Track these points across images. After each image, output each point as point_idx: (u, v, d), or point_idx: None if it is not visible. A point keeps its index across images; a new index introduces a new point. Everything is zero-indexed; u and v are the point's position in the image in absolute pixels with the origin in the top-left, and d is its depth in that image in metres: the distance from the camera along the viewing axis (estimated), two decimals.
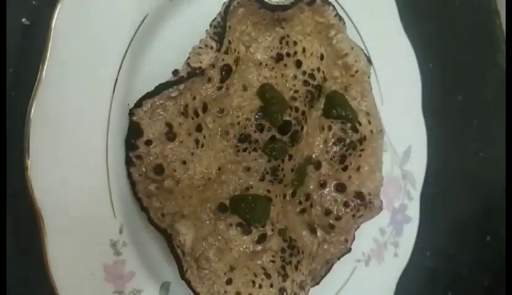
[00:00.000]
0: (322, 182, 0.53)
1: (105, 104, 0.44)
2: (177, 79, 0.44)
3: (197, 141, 0.46)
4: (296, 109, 0.50)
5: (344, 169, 0.54)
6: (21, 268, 0.44)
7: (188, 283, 0.45)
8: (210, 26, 0.46)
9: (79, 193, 0.42)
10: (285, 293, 0.48)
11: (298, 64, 0.51)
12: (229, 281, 0.46)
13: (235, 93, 0.49)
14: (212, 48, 0.45)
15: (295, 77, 0.51)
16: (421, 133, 0.66)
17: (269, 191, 0.50)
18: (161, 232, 0.46)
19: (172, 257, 0.46)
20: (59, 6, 0.41)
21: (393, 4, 0.63)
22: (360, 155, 0.55)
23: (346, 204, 0.53)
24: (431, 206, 0.68)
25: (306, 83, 0.51)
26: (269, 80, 0.50)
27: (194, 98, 0.45)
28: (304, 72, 0.51)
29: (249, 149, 0.49)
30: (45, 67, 0.40)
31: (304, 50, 0.51)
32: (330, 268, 0.55)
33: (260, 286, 0.47)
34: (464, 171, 0.78)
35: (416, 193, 0.66)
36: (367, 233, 0.60)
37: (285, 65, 0.51)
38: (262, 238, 0.48)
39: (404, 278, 0.64)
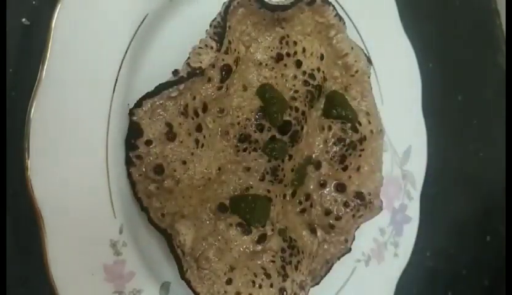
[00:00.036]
0: (322, 182, 0.53)
1: (105, 104, 0.44)
2: (177, 79, 0.44)
3: (197, 141, 0.46)
4: (296, 109, 0.50)
5: (344, 169, 0.54)
6: (21, 268, 0.44)
7: (188, 283, 0.45)
8: (210, 26, 0.46)
9: (79, 193, 0.42)
10: (285, 293, 0.48)
11: (298, 64, 0.51)
12: (229, 281, 0.46)
13: (235, 93, 0.49)
14: (211, 48, 0.45)
15: (295, 77, 0.51)
16: (421, 133, 0.66)
17: (269, 191, 0.50)
18: (161, 232, 0.46)
19: (172, 257, 0.46)
20: (59, 6, 0.41)
21: (393, 4, 0.63)
22: (360, 155, 0.55)
23: (346, 204, 0.53)
24: (431, 206, 0.68)
25: (306, 83, 0.51)
26: (269, 80, 0.50)
27: (194, 98, 0.45)
28: (304, 72, 0.51)
29: (249, 149, 0.49)
30: (45, 67, 0.40)
31: (304, 50, 0.51)
32: (330, 268, 0.55)
33: (260, 286, 0.47)
34: (464, 171, 0.78)
35: (416, 193, 0.66)
36: (367, 233, 0.60)
37: (285, 65, 0.51)
38: (262, 238, 0.48)
39: (404, 278, 0.64)
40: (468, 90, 0.79)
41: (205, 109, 0.46)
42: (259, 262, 0.48)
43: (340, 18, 0.53)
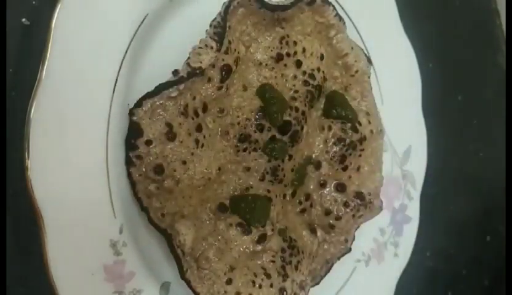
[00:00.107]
0: (322, 182, 0.53)
1: (105, 104, 0.44)
2: (177, 79, 0.44)
3: (197, 141, 0.46)
4: (296, 109, 0.50)
5: (344, 169, 0.54)
6: (21, 268, 0.44)
7: (188, 283, 0.45)
8: (210, 26, 0.46)
9: (79, 193, 0.42)
10: (285, 293, 0.48)
11: (298, 64, 0.51)
12: (229, 281, 0.46)
13: (235, 93, 0.49)
14: (212, 48, 0.45)
15: (295, 77, 0.51)
16: (421, 133, 0.66)
17: (269, 191, 0.50)
18: (161, 232, 0.46)
19: (172, 257, 0.46)
20: (59, 6, 0.41)
21: (393, 4, 0.63)
22: (360, 155, 0.55)
23: (346, 204, 0.53)
24: (431, 206, 0.68)
25: (306, 83, 0.51)
26: (269, 80, 0.50)
27: (194, 98, 0.45)
28: (304, 72, 0.51)
29: (249, 149, 0.49)
30: (45, 67, 0.40)
31: (304, 50, 0.51)
32: (330, 268, 0.55)
33: (260, 286, 0.47)
34: (464, 171, 0.78)
35: (416, 193, 0.66)
36: (367, 233, 0.60)
37: (285, 65, 0.51)
38: (262, 238, 0.48)
39: (404, 278, 0.64)
40: (468, 90, 0.79)
41: (205, 109, 0.46)
42: (259, 262, 0.48)
43: (340, 18, 0.53)
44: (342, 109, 0.53)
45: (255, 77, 0.50)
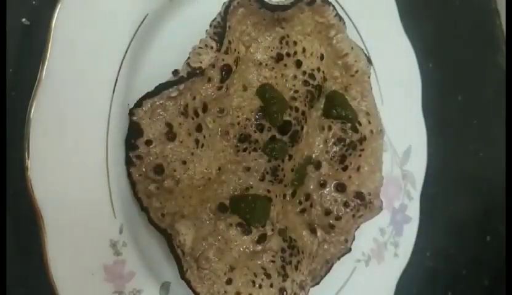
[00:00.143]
0: (322, 182, 0.53)
1: (105, 104, 0.44)
2: (177, 79, 0.44)
3: (197, 141, 0.46)
4: (296, 109, 0.50)
5: (344, 169, 0.54)
6: (21, 268, 0.44)
7: (188, 283, 0.45)
8: (210, 26, 0.46)
9: (79, 193, 0.42)
10: (285, 293, 0.48)
11: (298, 64, 0.51)
12: (229, 281, 0.46)
13: (235, 93, 0.49)
14: (212, 48, 0.45)
15: (295, 77, 0.51)
16: (421, 133, 0.66)
17: (269, 191, 0.50)
18: (161, 232, 0.46)
19: (172, 257, 0.46)
20: (59, 6, 0.41)
21: (393, 4, 0.63)
22: (360, 155, 0.55)
23: (346, 204, 0.53)
24: (431, 206, 0.68)
25: (306, 83, 0.51)
26: (269, 80, 0.50)
27: (194, 98, 0.45)
28: (304, 72, 0.51)
29: (249, 149, 0.49)
30: (45, 67, 0.40)
31: (304, 50, 0.51)
32: (330, 268, 0.55)
33: (260, 286, 0.47)
34: (464, 171, 0.78)
35: (416, 193, 0.66)
36: (367, 233, 0.60)
37: (285, 65, 0.51)
38: (262, 238, 0.48)
39: (404, 278, 0.64)
40: (468, 90, 0.79)
41: (205, 109, 0.46)
42: (259, 262, 0.48)
43: (340, 18, 0.53)
44: (342, 109, 0.53)
45: (255, 77, 0.50)
